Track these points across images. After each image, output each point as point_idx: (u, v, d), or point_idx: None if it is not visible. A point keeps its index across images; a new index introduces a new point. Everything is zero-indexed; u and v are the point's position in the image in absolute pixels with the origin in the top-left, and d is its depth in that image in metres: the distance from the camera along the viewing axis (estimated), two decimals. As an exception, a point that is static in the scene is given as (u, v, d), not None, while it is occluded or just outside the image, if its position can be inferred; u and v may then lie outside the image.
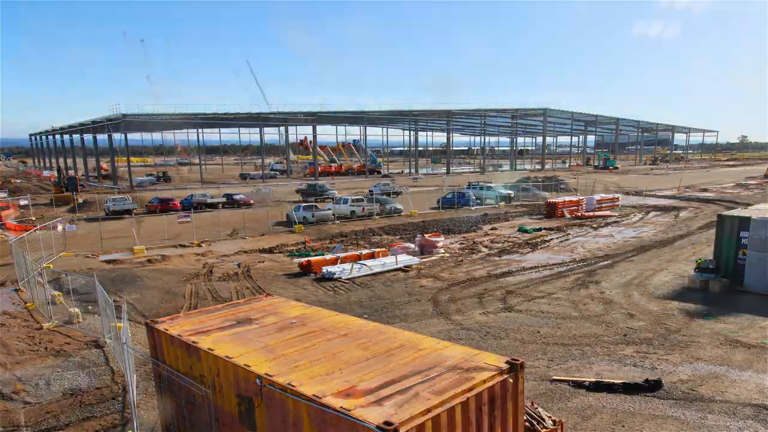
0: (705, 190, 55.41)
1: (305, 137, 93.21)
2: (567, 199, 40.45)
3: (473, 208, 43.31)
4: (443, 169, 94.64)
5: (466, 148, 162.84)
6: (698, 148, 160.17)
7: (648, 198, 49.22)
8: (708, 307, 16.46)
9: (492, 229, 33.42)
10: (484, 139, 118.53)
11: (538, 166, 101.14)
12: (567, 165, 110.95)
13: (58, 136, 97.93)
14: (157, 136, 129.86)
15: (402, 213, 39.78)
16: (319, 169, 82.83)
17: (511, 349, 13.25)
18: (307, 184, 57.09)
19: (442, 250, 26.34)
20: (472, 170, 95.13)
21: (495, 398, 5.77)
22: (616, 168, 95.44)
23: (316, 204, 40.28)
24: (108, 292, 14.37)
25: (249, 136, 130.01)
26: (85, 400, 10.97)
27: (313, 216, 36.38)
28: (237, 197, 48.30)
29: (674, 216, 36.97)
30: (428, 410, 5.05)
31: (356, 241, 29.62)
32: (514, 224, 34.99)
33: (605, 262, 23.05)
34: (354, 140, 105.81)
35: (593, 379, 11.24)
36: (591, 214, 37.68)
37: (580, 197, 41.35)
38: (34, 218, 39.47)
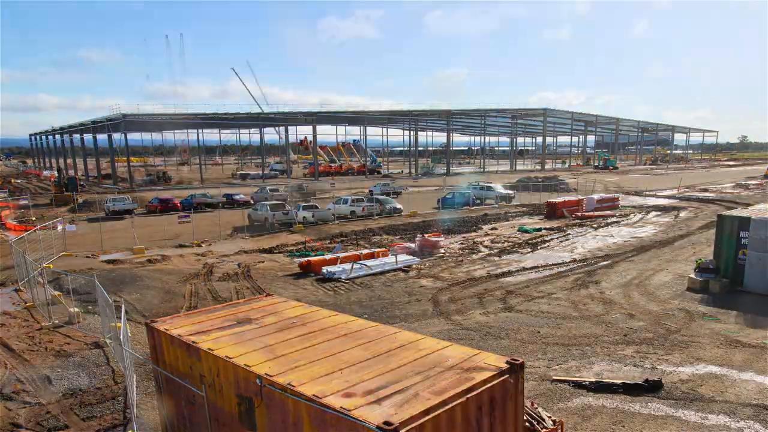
0: (705, 190, 55.39)
1: (305, 137, 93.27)
2: (567, 199, 40.44)
3: (473, 208, 43.32)
4: (443, 170, 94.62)
5: (466, 148, 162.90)
6: (698, 148, 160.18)
7: (648, 198, 49.22)
8: (708, 307, 16.46)
9: (492, 229, 33.42)
10: (484, 139, 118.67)
11: (538, 166, 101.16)
12: (567, 165, 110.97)
13: (58, 136, 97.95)
14: (157, 136, 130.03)
15: (402, 213, 39.78)
16: (320, 169, 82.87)
17: (511, 349, 13.25)
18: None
19: (442, 250, 26.35)
20: (472, 170, 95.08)
21: (495, 398, 5.77)
22: (616, 168, 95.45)
23: (316, 204, 40.27)
24: (108, 292, 14.37)
25: (249, 136, 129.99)
26: (85, 400, 10.97)
27: (313, 216, 36.40)
28: (237, 197, 48.31)
29: (674, 216, 36.97)
30: (428, 410, 5.05)
31: (356, 241, 29.62)
32: (514, 224, 34.99)
33: (605, 262, 23.05)
34: (354, 140, 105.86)
35: (593, 380, 11.24)
36: (591, 214, 37.67)
37: (580, 197, 41.34)
38: (34, 218, 39.46)
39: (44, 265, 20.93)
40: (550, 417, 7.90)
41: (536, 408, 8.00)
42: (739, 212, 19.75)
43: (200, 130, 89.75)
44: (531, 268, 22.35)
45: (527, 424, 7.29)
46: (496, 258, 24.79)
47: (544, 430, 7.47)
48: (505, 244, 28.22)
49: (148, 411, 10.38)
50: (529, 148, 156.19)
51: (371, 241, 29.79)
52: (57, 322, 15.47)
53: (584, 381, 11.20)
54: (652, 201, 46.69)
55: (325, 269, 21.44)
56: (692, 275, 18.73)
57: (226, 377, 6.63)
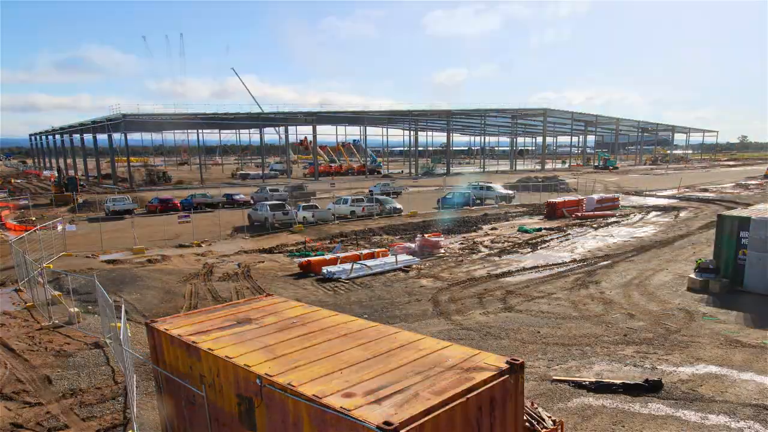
0: (705, 190, 55.39)
1: (305, 137, 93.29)
2: (567, 199, 40.44)
3: (473, 208, 43.32)
4: (443, 170, 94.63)
5: (466, 148, 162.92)
6: (698, 148, 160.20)
7: (648, 198, 49.23)
8: (708, 307, 16.46)
9: (492, 229, 33.42)
10: (484, 139, 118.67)
11: (538, 166, 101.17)
12: (567, 165, 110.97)
13: (57, 136, 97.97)
14: (157, 136, 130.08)
15: (402, 213, 39.79)
16: (320, 169, 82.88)
17: (511, 349, 13.25)
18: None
19: (442, 250, 26.35)
20: (472, 171, 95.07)
21: (495, 398, 5.76)
22: (616, 168, 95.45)
23: (316, 204, 40.27)
24: (108, 292, 14.37)
25: (249, 136, 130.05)
26: (85, 400, 10.97)
27: (313, 216, 36.40)
28: (237, 197, 48.32)
29: (674, 216, 36.97)
30: (428, 410, 5.05)
31: (356, 241, 29.62)
32: (514, 224, 35.00)
33: (605, 262, 23.05)
34: (354, 140, 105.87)
35: (593, 380, 11.24)
36: (591, 214, 37.67)
37: (580, 197, 41.35)
38: (34, 218, 39.46)
39: (44, 265, 20.94)
40: (550, 417, 7.90)
41: (536, 408, 8.00)
42: (739, 212, 19.75)
43: (200, 130, 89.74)
44: (531, 268, 22.35)
45: (527, 424, 7.29)
46: (496, 258, 24.79)
47: (544, 430, 7.47)
48: (505, 244, 28.22)
49: (148, 411, 10.38)
50: (529, 148, 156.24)
51: (371, 241, 29.79)
52: (57, 322, 15.47)
53: (584, 381, 11.20)
54: (652, 201, 46.69)
55: (325, 269, 21.44)
56: (692, 275, 18.73)
57: (226, 377, 6.63)
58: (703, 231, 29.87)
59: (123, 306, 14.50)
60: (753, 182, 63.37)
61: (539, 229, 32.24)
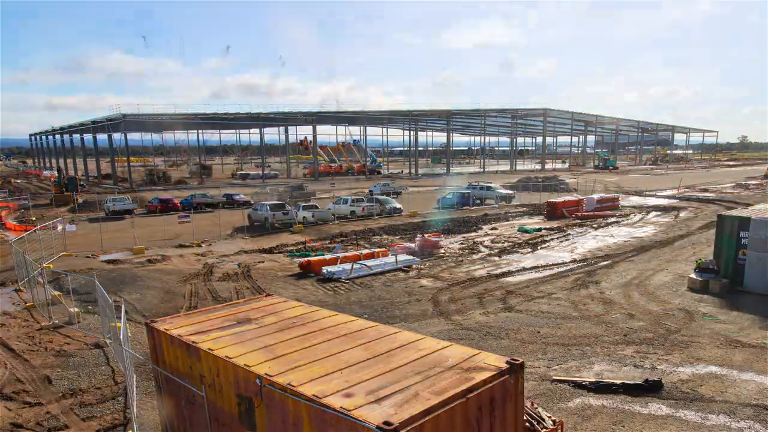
0: (705, 190, 55.40)
1: (305, 137, 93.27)
2: (567, 199, 40.44)
3: (473, 208, 43.32)
4: (442, 170, 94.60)
5: (466, 148, 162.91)
6: (698, 148, 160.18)
7: (648, 198, 49.22)
8: (708, 307, 16.46)
9: (492, 229, 33.42)
10: (484, 139, 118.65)
11: (538, 166, 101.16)
12: (567, 165, 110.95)
13: (57, 136, 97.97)
14: (157, 136, 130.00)
15: (402, 213, 39.79)
16: (320, 169, 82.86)
17: (511, 349, 13.25)
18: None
19: (442, 250, 26.35)
20: (472, 171, 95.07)
21: (495, 398, 5.76)
22: (616, 168, 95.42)
23: (316, 204, 40.28)
24: (108, 292, 14.37)
25: (249, 136, 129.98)
26: (85, 400, 10.97)
27: (313, 216, 36.40)
28: (237, 197, 48.33)
29: (674, 216, 36.97)
30: (428, 410, 5.05)
31: (356, 241, 29.62)
32: (515, 224, 35.00)
33: (605, 262, 23.05)
34: (354, 140, 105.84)
35: (593, 380, 11.24)
36: (591, 214, 37.68)
37: (580, 197, 41.35)
38: (34, 218, 39.46)
39: (44, 265, 20.93)
40: (550, 417, 7.90)
41: (536, 408, 8.00)
42: (739, 212, 19.75)
43: (200, 130, 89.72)
44: (531, 268, 22.35)
45: (527, 424, 7.29)
46: (496, 258, 24.79)
47: (544, 430, 7.47)
48: (505, 244, 28.22)
49: (148, 411, 10.38)
50: (529, 148, 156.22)
51: (371, 241, 29.79)
52: (57, 322, 15.48)
53: (584, 381, 11.20)
54: (652, 201, 46.69)
55: (325, 269, 21.44)
56: (692, 275, 18.73)
57: (226, 377, 6.63)
58: (703, 231, 29.87)
59: (123, 306, 14.51)
60: (753, 182, 63.38)
61: (539, 229, 32.24)
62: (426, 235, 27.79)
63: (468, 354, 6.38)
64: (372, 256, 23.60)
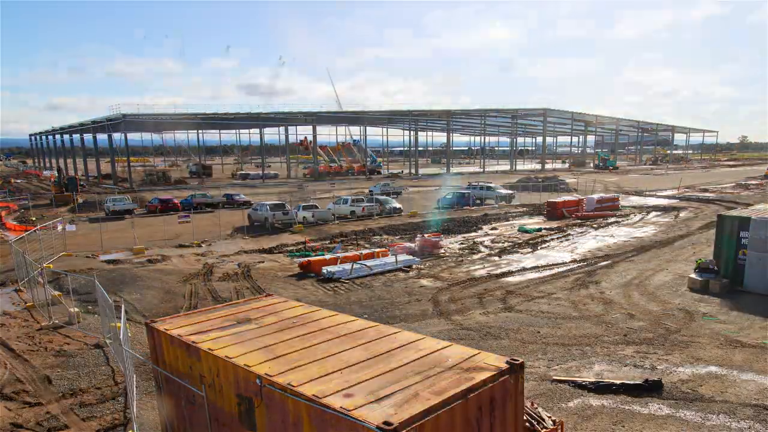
0: (705, 190, 55.39)
1: (305, 137, 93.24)
2: (567, 199, 40.44)
3: (473, 208, 43.32)
4: (442, 169, 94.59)
5: (466, 148, 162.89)
6: (698, 148, 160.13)
7: (648, 198, 49.21)
8: (708, 307, 16.46)
9: (492, 229, 33.42)
10: (484, 139, 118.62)
11: (538, 166, 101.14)
12: (567, 165, 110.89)
13: (57, 136, 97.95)
14: (157, 136, 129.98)
15: (402, 213, 39.78)
16: (320, 169, 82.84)
17: (511, 349, 13.25)
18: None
19: (442, 250, 26.35)
20: (472, 171, 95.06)
21: (495, 398, 5.76)
22: (616, 168, 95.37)
23: (316, 204, 40.27)
24: (108, 292, 14.37)
25: (249, 136, 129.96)
26: (85, 400, 10.97)
27: (313, 216, 36.39)
28: (237, 197, 48.34)
29: (674, 216, 36.97)
30: (428, 410, 5.05)
31: (356, 241, 29.62)
32: (515, 224, 34.99)
33: (605, 262, 23.05)
34: (354, 140, 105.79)
35: (593, 380, 11.24)
36: (591, 214, 37.67)
37: (581, 197, 41.35)
38: (34, 218, 39.45)
39: (44, 265, 20.93)
40: (550, 417, 7.90)
41: (536, 408, 8.00)
42: (739, 212, 19.75)
43: (200, 130, 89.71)
44: (531, 268, 22.35)
45: (527, 424, 7.29)
46: (496, 258, 24.79)
47: (544, 430, 7.47)
48: (506, 244, 28.22)
49: (148, 411, 10.38)
50: (529, 148, 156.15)
51: (371, 241, 29.79)
52: (57, 322, 15.47)
53: (584, 381, 11.20)
54: (652, 201, 46.68)
55: (325, 269, 21.44)
56: (692, 275, 18.73)
57: (226, 377, 6.63)
58: (703, 231, 29.87)
59: (123, 306, 14.51)
60: (753, 182, 63.37)
61: (539, 229, 32.24)
62: (426, 235, 27.79)
63: (468, 354, 6.38)
64: (372, 256, 23.60)
